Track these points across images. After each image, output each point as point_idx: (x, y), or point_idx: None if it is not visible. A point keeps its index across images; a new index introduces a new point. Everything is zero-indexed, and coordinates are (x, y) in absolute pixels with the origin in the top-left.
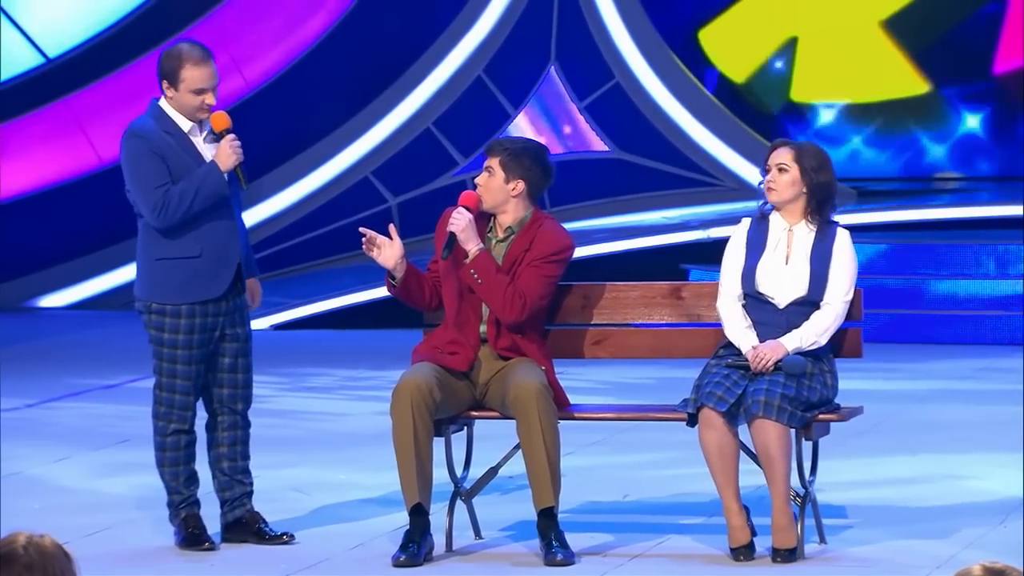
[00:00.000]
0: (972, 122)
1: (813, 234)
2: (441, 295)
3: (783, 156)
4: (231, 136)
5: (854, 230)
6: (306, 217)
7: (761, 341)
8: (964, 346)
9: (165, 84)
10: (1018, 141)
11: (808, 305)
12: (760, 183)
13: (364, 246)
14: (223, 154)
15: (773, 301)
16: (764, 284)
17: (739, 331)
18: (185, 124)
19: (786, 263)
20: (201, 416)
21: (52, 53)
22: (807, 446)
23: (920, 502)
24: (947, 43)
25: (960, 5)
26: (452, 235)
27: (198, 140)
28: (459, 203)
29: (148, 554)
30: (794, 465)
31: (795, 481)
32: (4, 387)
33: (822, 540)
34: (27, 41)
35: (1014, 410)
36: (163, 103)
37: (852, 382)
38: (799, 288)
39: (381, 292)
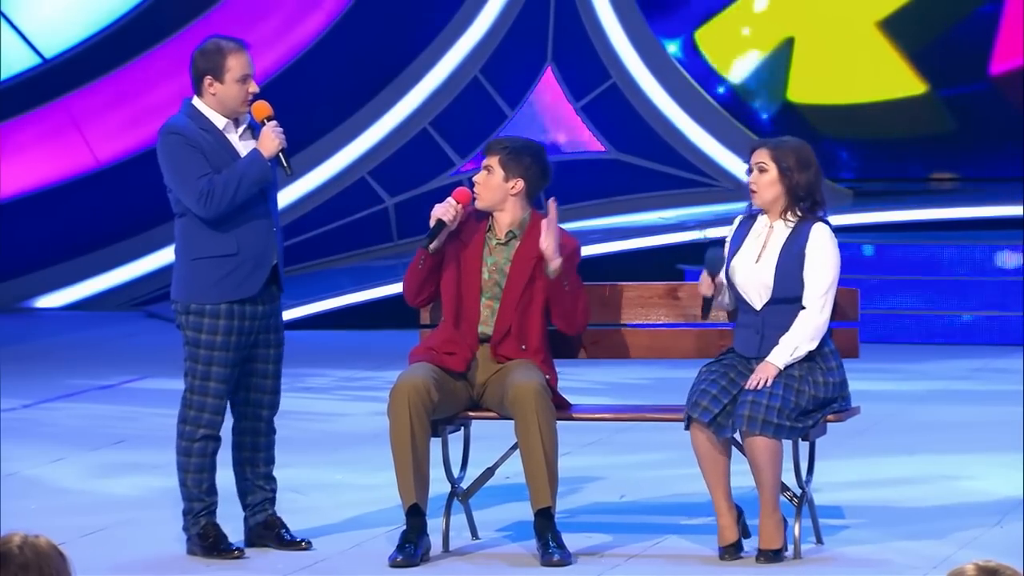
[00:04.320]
0: (968, 123)
1: (789, 230)
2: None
3: (762, 156)
4: (273, 122)
5: (851, 231)
6: (303, 217)
7: (741, 344)
8: (961, 346)
9: (208, 80)
10: (1014, 141)
11: (782, 303)
12: (747, 182)
13: (448, 208)
14: (266, 140)
15: (750, 302)
16: (738, 283)
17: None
18: (220, 121)
19: (757, 261)
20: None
21: (49, 53)
22: (804, 446)
23: (917, 502)
24: (944, 43)
25: (957, 5)
26: (439, 224)
27: (233, 136)
28: (451, 196)
29: (145, 555)
30: (791, 465)
31: (792, 481)
32: (1, 387)
33: (819, 540)
34: (23, 41)
35: (1011, 410)
36: (196, 102)
37: (849, 383)
38: (766, 285)
39: (378, 293)
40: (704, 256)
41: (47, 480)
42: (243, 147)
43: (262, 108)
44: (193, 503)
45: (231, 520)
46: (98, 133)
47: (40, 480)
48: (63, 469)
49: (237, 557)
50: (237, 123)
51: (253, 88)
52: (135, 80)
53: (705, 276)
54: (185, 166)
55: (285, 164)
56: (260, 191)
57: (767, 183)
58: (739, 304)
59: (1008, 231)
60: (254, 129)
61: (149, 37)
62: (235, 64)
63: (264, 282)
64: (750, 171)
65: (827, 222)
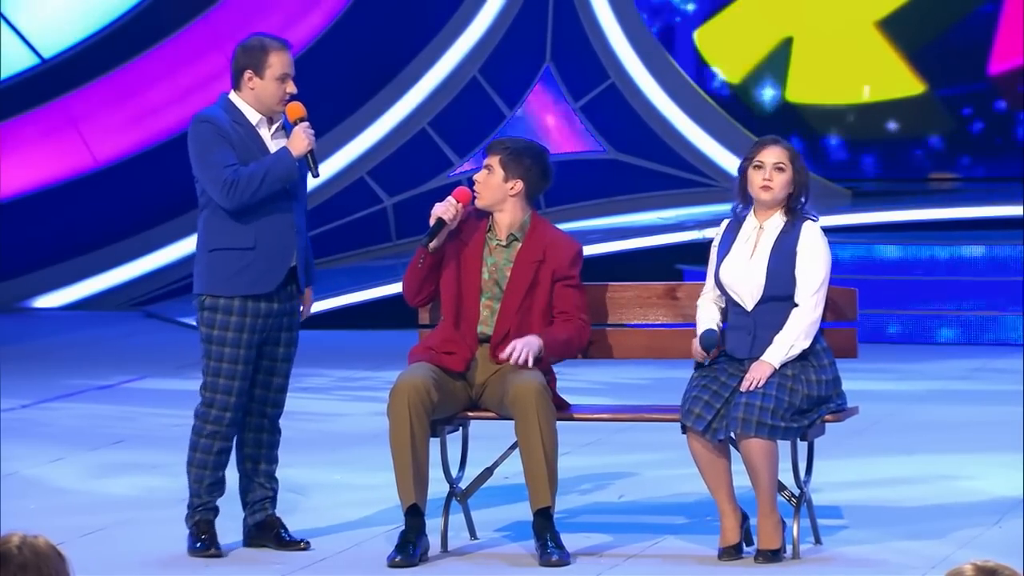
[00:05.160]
0: (967, 123)
1: (780, 229)
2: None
3: (779, 155)
4: (305, 123)
5: (850, 231)
6: None
7: (733, 346)
8: (960, 346)
9: (248, 75)
10: (1013, 141)
11: (774, 301)
12: (739, 173)
13: (449, 207)
14: (296, 139)
15: (741, 303)
16: (728, 284)
17: (699, 324)
18: (254, 117)
19: (749, 260)
20: None
21: (47, 53)
22: (802, 446)
23: (915, 502)
24: (942, 43)
25: (955, 5)
26: (439, 222)
27: (265, 133)
28: (451, 195)
29: (143, 555)
30: (789, 465)
31: (790, 481)
32: (0, 387)
33: (817, 540)
34: (22, 41)
35: (1009, 410)
36: (232, 96)
37: (847, 383)
38: (757, 284)
39: (376, 292)
40: (701, 334)
41: (46, 480)
42: (274, 145)
43: (296, 109)
44: (192, 498)
45: (233, 520)
46: (97, 133)
47: (39, 480)
48: (62, 469)
49: (212, 556)
50: (271, 122)
51: (291, 88)
52: (133, 80)
53: (699, 349)
54: (212, 154)
55: (312, 165)
56: (285, 190)
57: (784, 183)
58: (730, 306)
59: (1007, 231)
60: (286, 130)
61: (147, 37)
62: (276, 62)
63: (281, 280)
64: (754, 167)
65: (815, 220)
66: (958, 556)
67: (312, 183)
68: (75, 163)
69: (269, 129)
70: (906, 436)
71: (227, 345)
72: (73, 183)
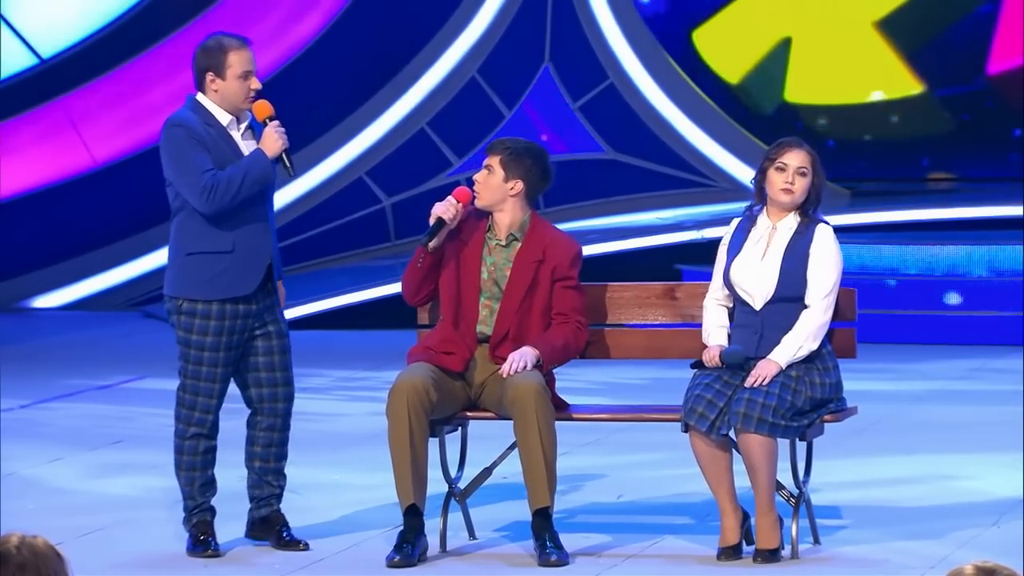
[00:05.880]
0: (966, 123)
1: (793, 231)
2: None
3: (802, 159)
4: (275, 122)
5: (848, 231)
6: (300, 217)
7: (739, 345)
8: (960, 346)
9: (210, 76)
10: (1012, 141)
11: (783, 302)
12: (758, 172)
13: (449, 206)
14: (269, 140)
15: (750, 302)
16: (739, 283)
17: (709, 330)
18: (224, 118)
19: (761, 261)
20: (244, 411)
21: (46, 54)
22: (801, 446)
23: (914, 502)
24: (941, 44)
25: (954, 5)
26: (439, 222)
27: (236, 134)
28: (451, 195)
29: (142, 555)
30: (788, 465)
31: (789, 481)
32: None
33: (816, 540)
34: (21, 42)
35: (1010, 410)
36: (200, 98)
37: (847, 383)
38: (769, 284)
39: (375, 293)
40: (726, 349)
41: (45, 480)
42: (245, 146)
43: (263, 108)
44: (187, 500)
45: (232, 520)
46: (95, 133)
47: (38, 480)
48: (61, 469)
49: (209, 556)
50: (239, 121)
51: (255, 85)
52: (132, 80)
53: (716, 360)
54: (188, 160)
55: (288, 164)
56: (259, 191)
57: (805, 187)
58: (737, 305)
59: (1006, 231)
60: (254, 129)
61: (146, 37)
62: (236, 60)
63: (260, 281)
64: (776, 168)
65: (827, 223)
66: (957, 556)
67: (311, 183)
68: (74, 163)
69: (239, 129)
70: (906, 436)
71: (206, 349)
72: (72, 183)
